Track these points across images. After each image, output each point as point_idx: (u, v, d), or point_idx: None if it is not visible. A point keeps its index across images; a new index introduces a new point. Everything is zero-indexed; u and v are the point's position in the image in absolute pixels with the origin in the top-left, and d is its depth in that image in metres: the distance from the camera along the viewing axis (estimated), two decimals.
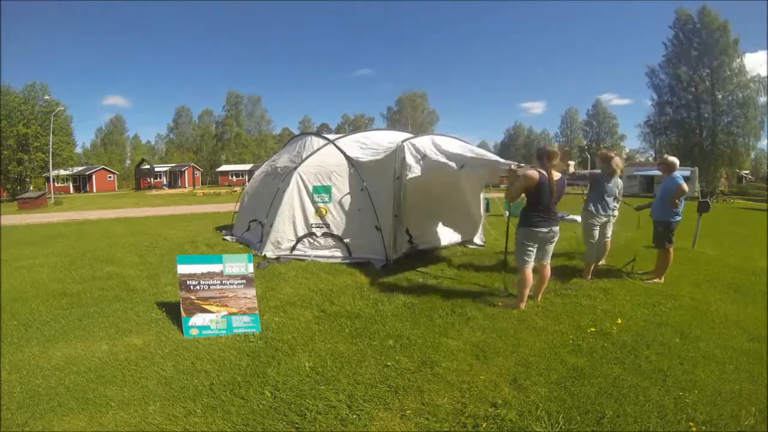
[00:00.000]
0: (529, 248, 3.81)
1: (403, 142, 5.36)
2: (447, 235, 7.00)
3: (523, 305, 3.87)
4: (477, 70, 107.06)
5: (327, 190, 5.91)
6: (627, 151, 61.84)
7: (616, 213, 5.28)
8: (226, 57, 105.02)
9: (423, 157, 5.15)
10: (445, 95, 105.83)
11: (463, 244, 7.12)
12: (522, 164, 4.18)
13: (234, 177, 52.43)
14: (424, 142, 5.47)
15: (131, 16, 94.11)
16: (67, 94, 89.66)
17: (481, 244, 7.20)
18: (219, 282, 3.52)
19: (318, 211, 5.89)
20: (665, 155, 5.04)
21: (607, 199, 5.02)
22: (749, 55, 35.94)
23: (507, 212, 8.91)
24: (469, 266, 5.63)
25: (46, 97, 31.25)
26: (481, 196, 7.22)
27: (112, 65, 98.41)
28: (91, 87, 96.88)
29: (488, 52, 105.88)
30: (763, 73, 35.31)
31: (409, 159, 5.11)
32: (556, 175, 3.75)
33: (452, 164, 4.91)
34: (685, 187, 4.70)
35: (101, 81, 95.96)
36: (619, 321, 3.59)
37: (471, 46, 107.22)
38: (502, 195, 11.65)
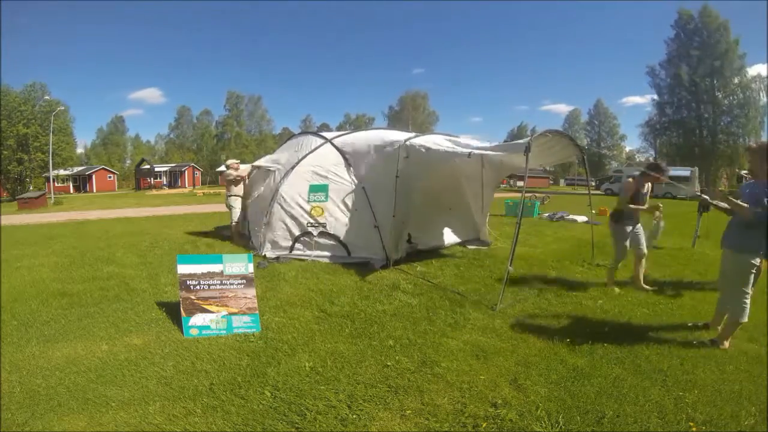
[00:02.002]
0: None
1: (405, 141, 5.37)
2: (447, 236, 7.01)
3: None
4: (479, 70, 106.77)
5: (324, 189, 5.89)
6: (627, 150, 62.00)
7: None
8: (225, 56, 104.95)
9: (428, 150, 5.13)
10: (445, 95, 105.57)
11: (463, 244, 7.13)
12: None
13: None
14: (427, 140, 5.49)
15: (132, 15, 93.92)
16: (72, 92, 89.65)
17: (484, 243, 7.21)
18: (219, 282, 3.52)
19: (314, 210, 5.88)
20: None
21: None
22: (753, 67, 35.68)
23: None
24: (469, 266, 5.64)
25: (47, 97, 31.27)
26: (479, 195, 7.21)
27: (111, 64, 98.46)
28: (91, 85, 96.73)
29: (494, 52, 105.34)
30: (764, 73, 35.38)
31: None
32: None
33: (464, 150, 4.78)
34: None
35: (103, 80, 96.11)
36: (619, 321, 3.59)
37: (473, 46, 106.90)
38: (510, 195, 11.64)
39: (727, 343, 3.07)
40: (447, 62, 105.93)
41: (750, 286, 2.98)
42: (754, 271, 2.93)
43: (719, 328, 3.25)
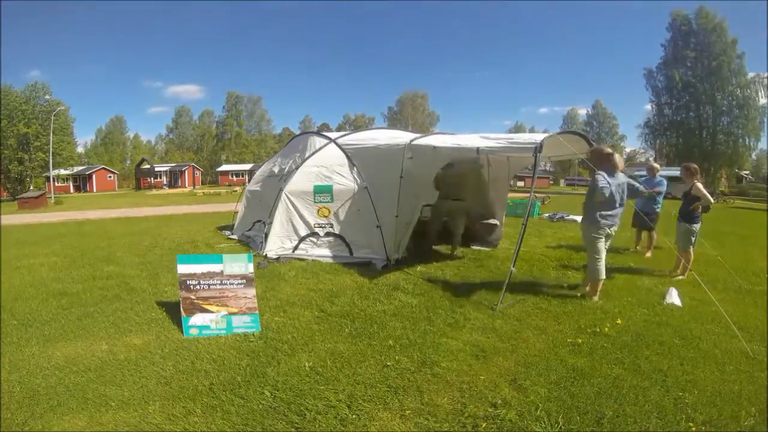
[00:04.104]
0: None
1: (410, 141, 5.38)
2: (449, 236, 7.00)
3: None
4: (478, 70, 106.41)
5: (328, 189, 5.91)
6: (627, 151, 62.10)
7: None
8: (225, 56, 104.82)
9: (435, 149, 5.13)
10: (445, 96, 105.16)
11: (465, 244, 7.11)
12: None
13: (234, 177, 52.42)
14: (433, 139, 5.51)
15: (133, 15, 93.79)
16: (72, 92, 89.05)
17: (486, 243, 7.20)
18: (219, 282, 3.52)
19: (320, 210, 5.90)
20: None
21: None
22: (753, 73, 35.20)
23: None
24: (469, 266, 5.63)
25: (47, 96, 31.25)
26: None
27: (113, 63, 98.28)
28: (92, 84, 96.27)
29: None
30: (763, 73, 35.24)
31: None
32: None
33: (472, 146, 4.78)
34: None
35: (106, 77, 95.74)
36: (619, 321, 3.59)
37: (474, 45, 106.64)
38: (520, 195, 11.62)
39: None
40: (452, 63, 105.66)
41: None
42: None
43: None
